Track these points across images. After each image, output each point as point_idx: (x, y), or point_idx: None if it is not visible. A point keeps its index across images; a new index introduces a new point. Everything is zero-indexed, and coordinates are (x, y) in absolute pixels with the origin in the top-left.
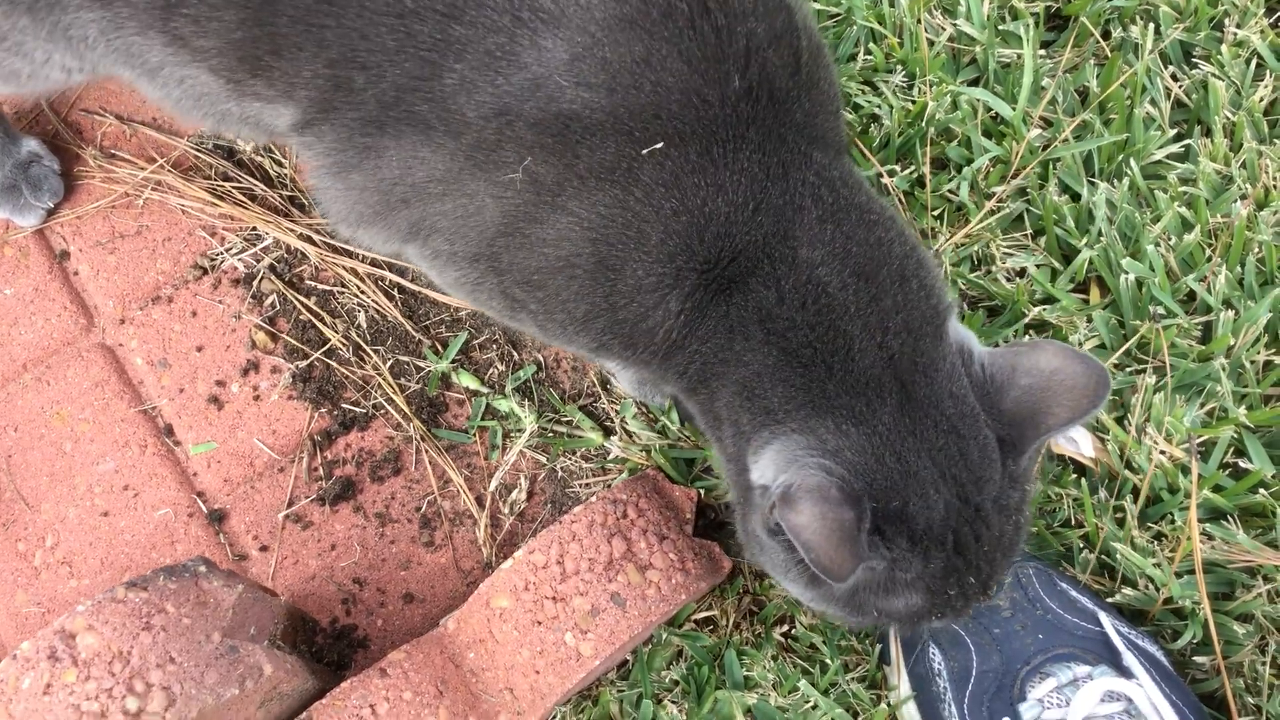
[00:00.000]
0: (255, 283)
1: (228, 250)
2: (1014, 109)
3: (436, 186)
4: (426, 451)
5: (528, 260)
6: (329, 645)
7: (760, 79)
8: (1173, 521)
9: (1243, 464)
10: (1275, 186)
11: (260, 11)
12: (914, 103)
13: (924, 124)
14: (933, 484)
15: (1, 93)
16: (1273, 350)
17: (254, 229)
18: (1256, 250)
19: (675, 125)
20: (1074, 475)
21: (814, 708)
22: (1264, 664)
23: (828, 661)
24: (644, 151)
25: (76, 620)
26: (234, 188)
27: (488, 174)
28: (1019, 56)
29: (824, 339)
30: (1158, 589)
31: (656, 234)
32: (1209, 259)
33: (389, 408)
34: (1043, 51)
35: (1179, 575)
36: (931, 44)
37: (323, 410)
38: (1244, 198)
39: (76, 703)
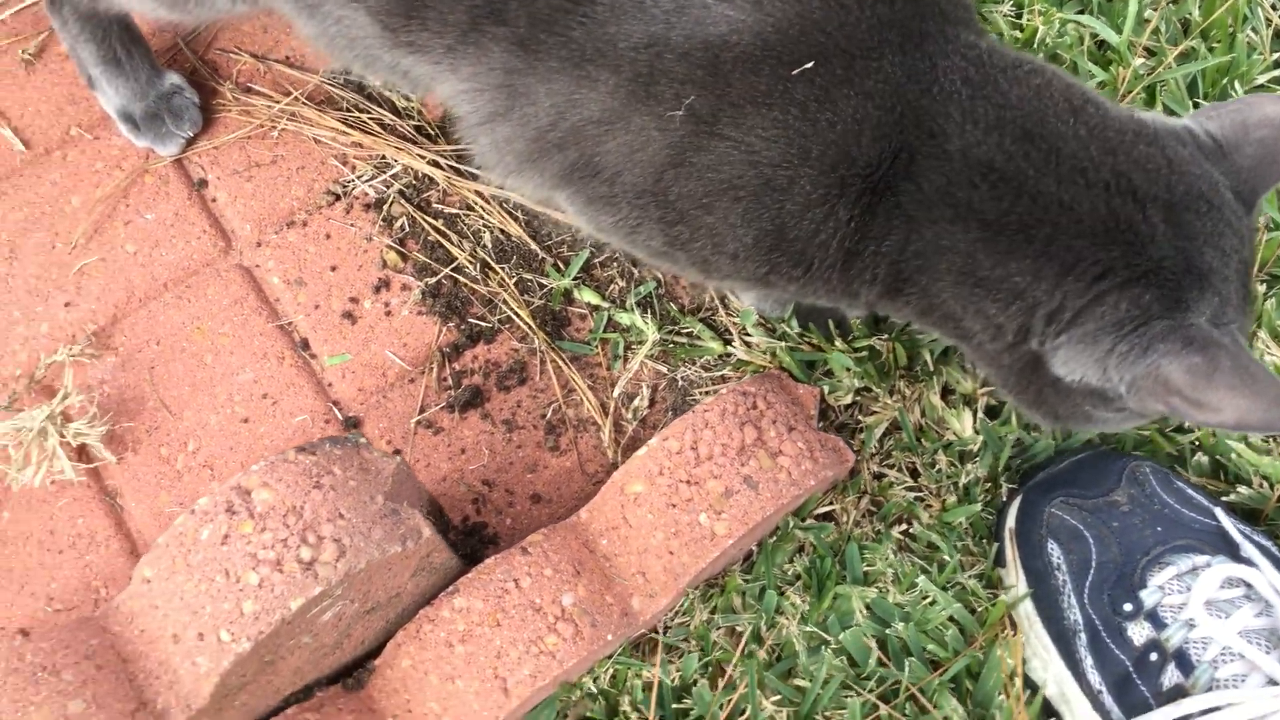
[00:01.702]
0: (385, 206)
1: (358, 177)
2: (1120, 36)
3: (596, 128)
4: (551, 362)
5: (694, 188)
6: (461, 541)
7: None
8: None
9: None
10: None
11: None
12: (1023, 29)
13: (1034, 49)
14: (1222, 275)
15: (166, 18)
16: None
17: (383, 157)
18: None
19: (819, 39)
20: None
21: (932, 603)
22: None
23: (946, 558)
24: (794, 73)
25: (251, 478)
26: (365, 118)
27: (650, 108)
28: None
29: (1022, 205)
30: (1272, 487)
31: (816, 148)
32: None
33: (515, 321)
34: None
35: None
36: None
37: (451, 324)
38: None
39: (253, 551)
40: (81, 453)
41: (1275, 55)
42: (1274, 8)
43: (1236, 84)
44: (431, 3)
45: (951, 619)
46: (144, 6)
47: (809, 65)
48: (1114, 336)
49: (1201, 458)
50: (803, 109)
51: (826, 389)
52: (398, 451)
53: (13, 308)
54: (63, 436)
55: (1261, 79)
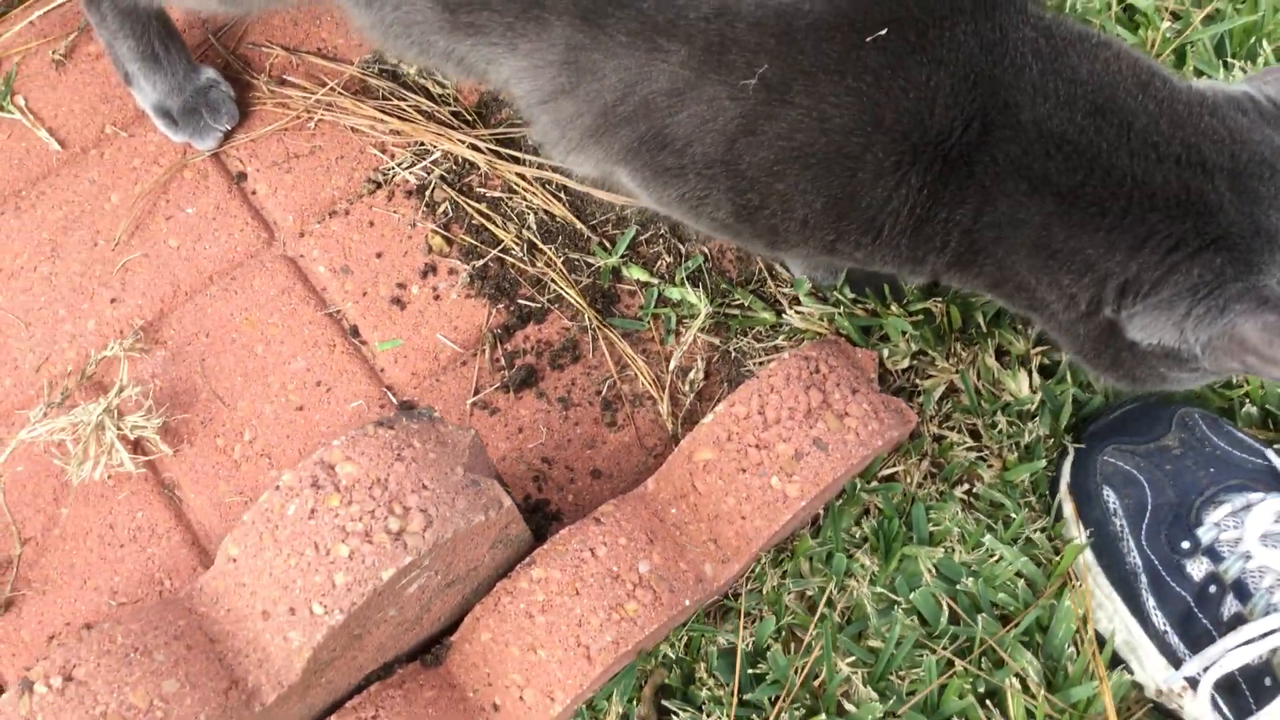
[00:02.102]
0: (428, 192)
1: (398, 164)
2: (1147, 0)
3: (666, 99)
4: (603, 339)
5: (766, 156)
6: (525, 518)
7: None
8: None
9: None
10: None
11: None
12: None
13: (1065, 12)
14: None
15: (222, 11)
16: None
17: (422, 143)
18: None
19: (893, 6)
20: None
21: (999, 560)
22: None
23: (1012, 515)
24: (868, 40)
25: (334, 453)
26: (402, 105)
27: (723, 77)
28: None
29: (1096, 179)
30: None
31: (889, 116)
32: None
33: (564, 300)
34: None
35: None
36: None
37: (500, 306)
38: None
39: (341, 524)
40: (137, 446)
41: None
42: None
43: (1264, 42)
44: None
45: (1019, 573)
46: (203, 4)
47: (883, 32)
48: (1190, 300)
49: (1251, 408)
50: (876, 76)
51: (884, 353)
52: None
53: (58, 305)
54: (120, 430)
55: None
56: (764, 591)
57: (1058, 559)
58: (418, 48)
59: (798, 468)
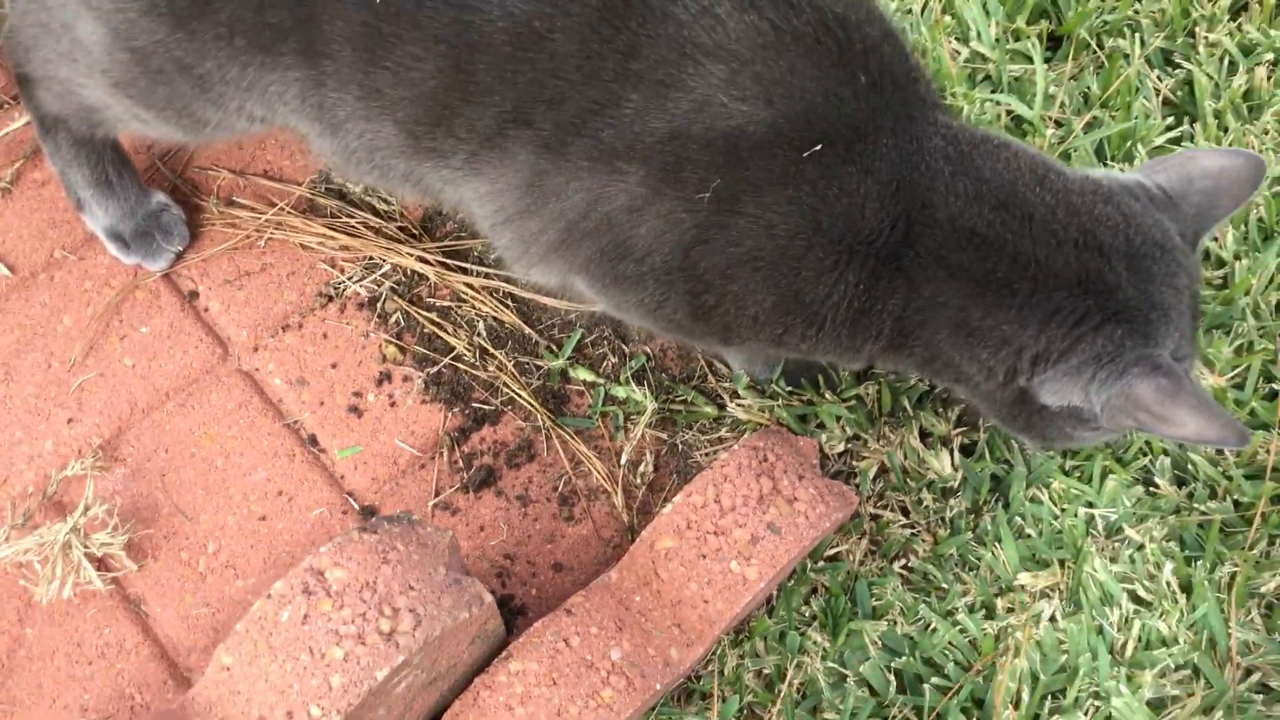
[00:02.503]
0: (379, 303)
1: (349, 279)
2: (1032, 110)
3: (627, 215)
4: (556, 437)
5: (718, 262)
6: None
7: (881, 71)
8: None
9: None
10: (1263, 157)
11: (459, 59)
12: (949, 109)
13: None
14: (1179, 309)
15: (176, 141)
16: None
17: (371, 257)
18: (1256, 210)
19: (823, 126)
20: None
21: (934, 631)
22: None
23: (944, 587)
24: (804, 155)
25: (322, 559)
26: (350, 222)
27: (678, 193)
28: (1027, 70)
29: (1004, 265)
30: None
31: (826, 220)
32: None
33: (517, 402)
34: (1045, 66)
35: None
36: (952, 62)
37: (455, 410)
38: None
39: (335, 628)
40: (102, 563)
41: (1168, 119)
42: (1160, 78)
43: (1139, 146)
44: (461, 110)
45: (952, 643)
46: (158, 132)
47: (817, 148)
48: (1095, 366)
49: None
50: (813, 186)
51: (822, 439)
52: None
53: (14, 428)
54: (86, 548)
55: (1158, 140)
56: (724, 672)
57: (994, 625)
58: (378, 171)
59: (755, 551)
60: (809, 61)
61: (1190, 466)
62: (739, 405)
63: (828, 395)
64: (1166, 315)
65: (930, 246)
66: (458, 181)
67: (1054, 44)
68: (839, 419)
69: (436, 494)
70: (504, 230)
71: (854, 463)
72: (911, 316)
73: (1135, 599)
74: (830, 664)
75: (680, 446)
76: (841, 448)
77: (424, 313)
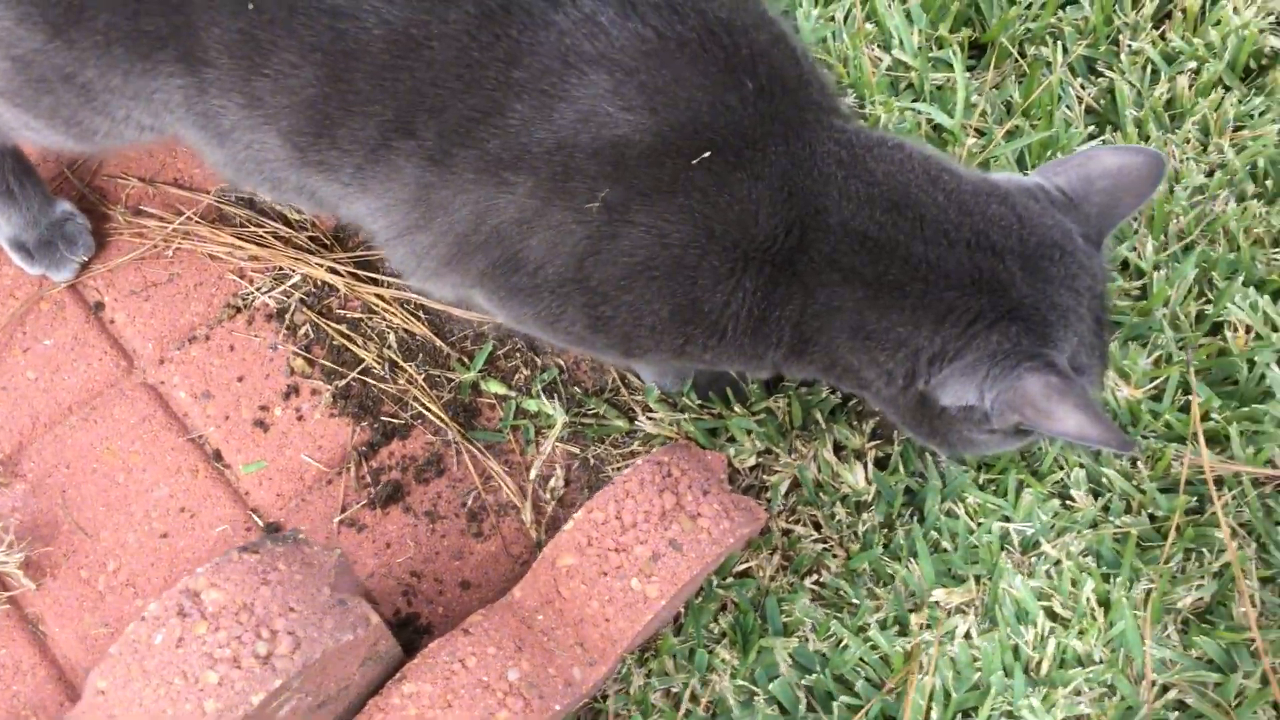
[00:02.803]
0: (288, 315)
1: (258, 289)
2: (953, 119)
3: (517, 227)
4: (466, 452)
5: (613, 272)
6: (395, 632)
7: (770, 76)
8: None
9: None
10: (1183, 168)
11: (337, 67)
12: (867, 117)
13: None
14: (1077, 313)
15: (71, 150)
16: (1203, 301)
17: (280, 268)
18: (1176, 221)
19: (711, 133)
20: None
21: (845, 648)
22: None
23: (855, 602)
24: (694, 162)
25: (199, 580)
26: (260, 232)
27: (567, 203)
28: (949, 79)
29: (897, 267)
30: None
31: (719, 227)
32: (1136, 231)
33: (427, 416)
34: (967, 74)
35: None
36: (875, 70)
37: (364, 424)
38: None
39: (209, 651)
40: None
41: (1089, 128)
42: (1083, 86)
43: (1059, 154)
44: (343, 120)
45: (863, 660)
46: (50, 141)
47: (706, 155)
48: (989, 364)
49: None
50: (704, 194)
51: (731, 453)
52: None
53: None
54: None
55: (1080, 149)
56: (630, 692)
57: (907, 641)
58: (270, 183)
59: (655, 569)
60: (694, 69)
61: (1105, 480)
62: (649, 419)
63: (737, 409)
64: (1064, 317)
65: (824, 251)
66: (349, 197)
67: (978, 51)
68: (749, 433)
69: (343, 510)
70: (397, 245)
71: (765, 477)
72: (809, 322)
73: (1052, 615)
74: (740, 682)
75: (592, 461)
76: (752, 462)
77: (333, 325)
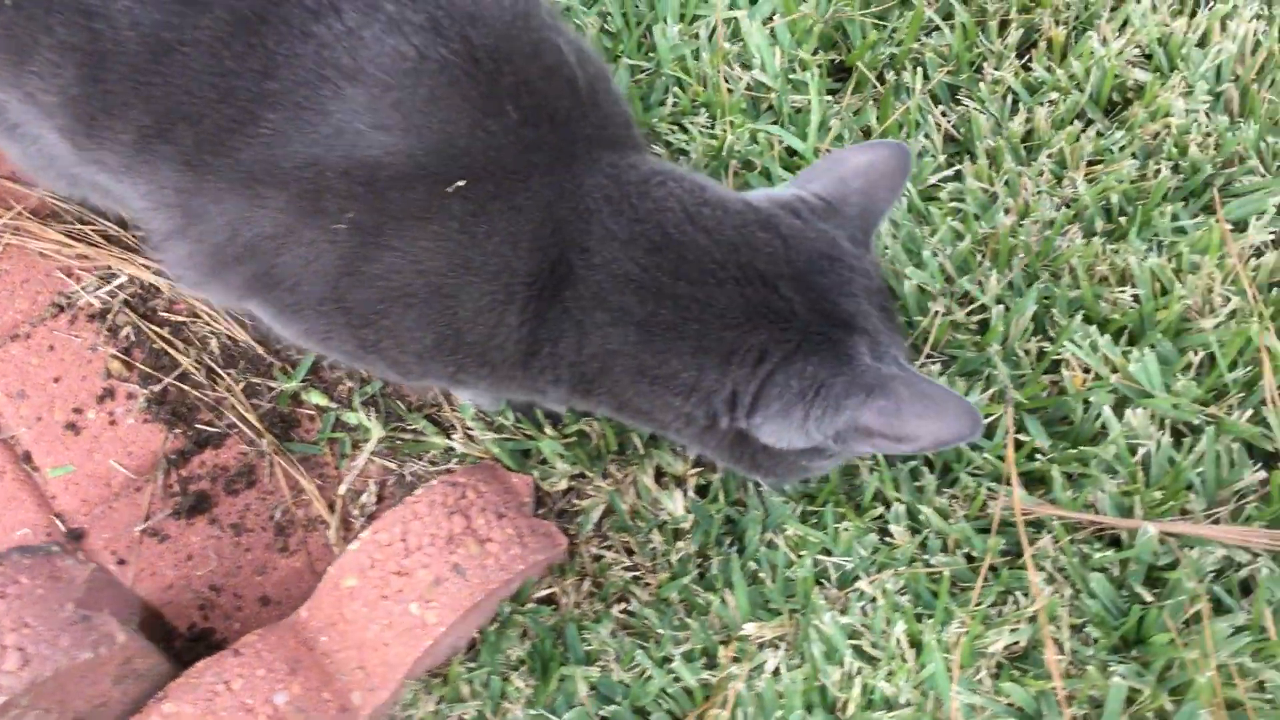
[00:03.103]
0: (110, 316)
1: (84, 288)
2: (805, 143)
3: (270, 242)
4: (279, 464)
5: (369, 295)
6: (188, 648)
7: (536, 106)
8: (964, 485)
9: (1022, 438)
10: (1034, 201)
11: (94, 68)
12: (716, 138)
13: (725, 155)
14: (863, 313)
15: None
16: (1041, 339)
17: (109, 267)
18: (1020, 257)
19: (468, 160)
20: None
21: (649, 679)
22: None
23: (661, 632)
24: (449, 190)
25: None
26: (89, 230)
27: (318, 222)
28: (809, 101)
29: (666, 309)
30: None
31: (478, 258)
32: (980, 264)
33: (242, 426)
34: (830, 98)
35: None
36: (731, 91)
37: (177, 431)
38: (1007, 211)
39: None
40: None
41: (945, 156)
42: (944, 114)
43: (910, 185)
44: (105, 121)
45: (665, 692)
46: None
47: (460, 183)
48: (803, 406)
49: (899, 508)
50: (461, 222)
51: (541, 476)
52: (122, 562)
53: None
54: None
55: (933, 179)
56: (418, 718)
57: (714, 674)
58: (65, 180)
59: (436, 594)
60: (454, 92)
61: (922, 517)
62: (462, 438)
63: (548, 431)
64: (851, 326)
65: (592, 290)
66: (127, 195)
67: (844, 75)
68: (560, 456)
69: (147, 519)
70: (164, 249)
71: (578, 501)
72: (588, 363)
73: (862, 655)
74: (537, 711)
75: (409, 478)
76: (564, 485)
77: (156, 328)
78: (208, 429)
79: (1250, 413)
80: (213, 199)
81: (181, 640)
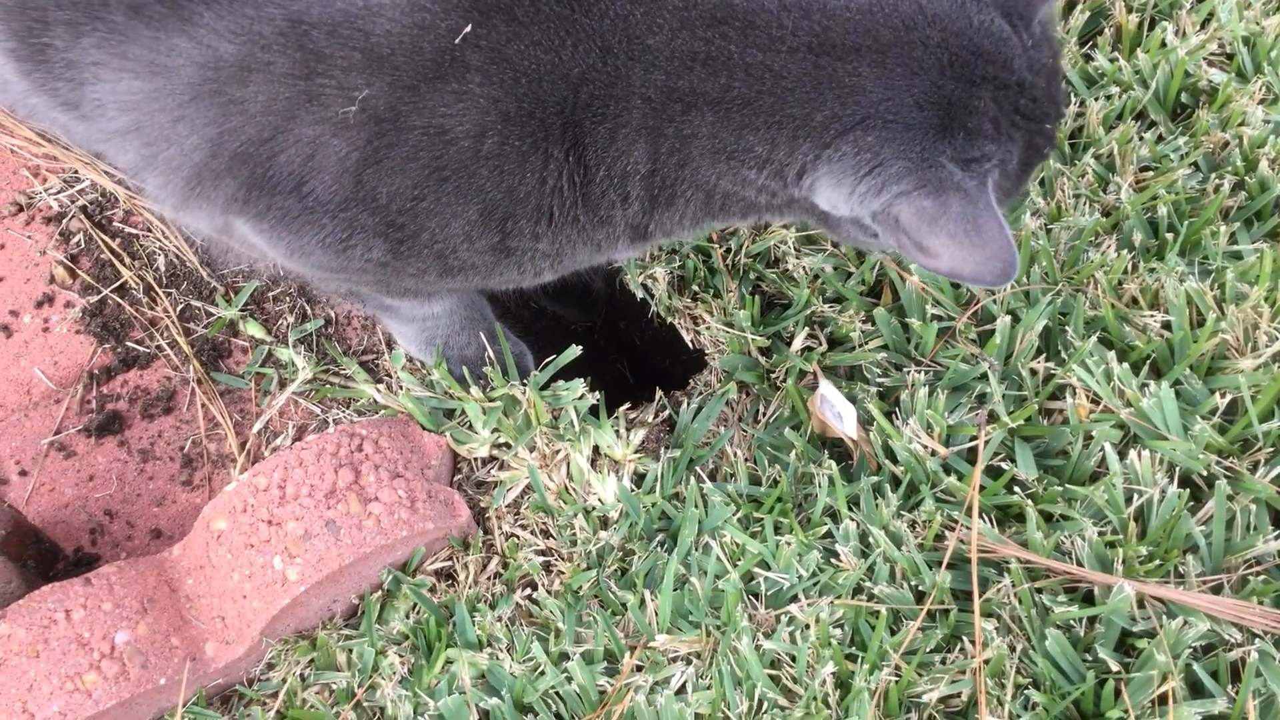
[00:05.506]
0: (65, 220)
1: (46, 190)
2: None
3: (263, 147)
4: (201, 394)
5: (405, 181)
6: (68, 572)
7: None
8: (925, 510)
9: (1004, 465)
10: (1069, 203)
11: None
12: None
13: None
14: (967, 105)
15: None
16: (1048, 359)
17: (75, 171)
18: (1042, 262)
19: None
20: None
21: (541, 674)
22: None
23: (562, 626)
24: (458, 41)
25: None
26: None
27: (317, 113)
28: None
29: (738, 82)
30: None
31: (512, 106)
32: None
33: (169, 350)
34: None
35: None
36: None
37: (107, 346)
38: (1036, 213)
39: None
40: None
41: None
42: None
43: None
44: (41, 31)
45: (555, 692)
46: None
47: (468, 30)
48: (854, 178)
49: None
50: (483, 74)
51: (460, 440)
52: (24, 473)
53: None
54: None
55: None
56: (285, 679)
57: (612, 681)
58: (25, 110)
59: (303, 549)
60: None
61: (871, 539)
62: (381, 388)
63: (474, 392)
64: (947, 112)
65: (656, 81)
66: (89, 123)
67: None
68: (484, 420)
69: (57, 432)
70: (141, 180)
71: (499, 473)
72: (666, 161)
73: (781, 688)
74: (411, 691)
75: (331, 424)
76: (485, 453)
77: (107, 238)
78: (137, 348)
79: (1278, 471)
80: (194, 107)
81: (64, 562)
